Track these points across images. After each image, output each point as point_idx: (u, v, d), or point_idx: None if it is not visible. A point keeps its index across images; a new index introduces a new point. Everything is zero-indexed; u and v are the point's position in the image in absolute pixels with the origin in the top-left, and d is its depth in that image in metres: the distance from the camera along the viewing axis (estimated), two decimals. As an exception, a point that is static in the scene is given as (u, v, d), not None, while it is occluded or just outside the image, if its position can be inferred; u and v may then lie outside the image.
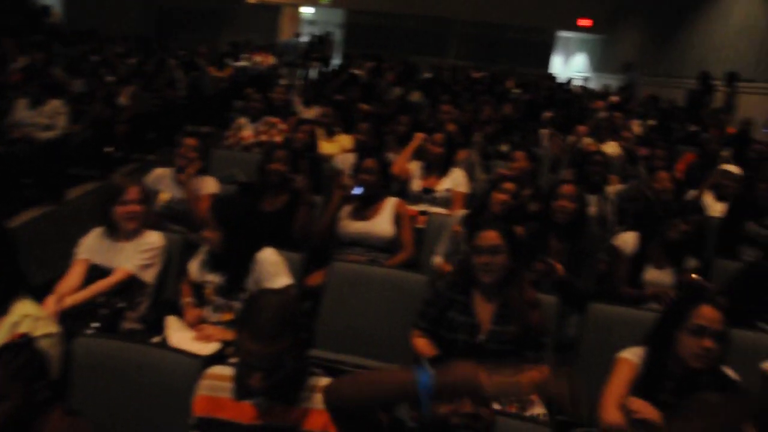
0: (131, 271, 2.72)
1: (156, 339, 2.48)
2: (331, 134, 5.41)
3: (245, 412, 1.66)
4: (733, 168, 4.81)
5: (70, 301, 2.56)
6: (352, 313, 2.77)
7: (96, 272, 2.74)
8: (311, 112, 6.42)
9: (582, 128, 7.56)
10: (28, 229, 5.05)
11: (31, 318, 1.93)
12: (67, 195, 5.93)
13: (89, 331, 2.49)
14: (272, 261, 2.61)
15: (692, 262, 3.25)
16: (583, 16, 19.04)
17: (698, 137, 7.29)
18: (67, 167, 6.10)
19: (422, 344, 2.44)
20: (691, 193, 4.75)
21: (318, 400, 1.64)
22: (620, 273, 3.26)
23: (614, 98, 12.08)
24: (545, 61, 21.44)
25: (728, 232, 4.02)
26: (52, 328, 2.00)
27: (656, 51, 16.37)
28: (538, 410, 2.21)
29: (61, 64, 8.14)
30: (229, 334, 2.42)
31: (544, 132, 7.01)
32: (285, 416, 1.65)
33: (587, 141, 6.89)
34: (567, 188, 3.26)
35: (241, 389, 1.66)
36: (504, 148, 5.94)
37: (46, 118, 5.55)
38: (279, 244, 2.97)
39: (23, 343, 1.67)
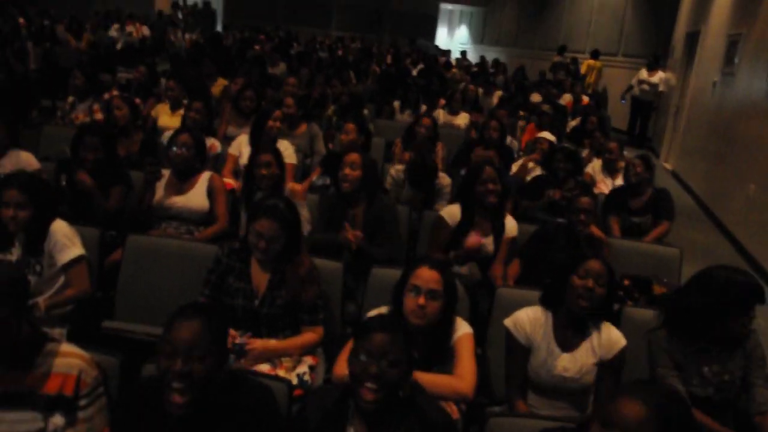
0: None
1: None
2: (175, 108, 5.41)
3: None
4: (548, 135, 5.25)
5: None
6: (147, 284, 2.89)
7: None
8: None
9: (441, 100, 7.91)
10: None
11: None
12: None
13: None
14: (64, 233, 2.70)
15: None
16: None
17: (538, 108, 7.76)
18: None
19: None
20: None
21: (57, 364, 1.78)
22: (438, 241, 3.40)
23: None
24: (431, 33, 21.88)
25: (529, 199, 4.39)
26: None
27: (530, 25, 17.10)
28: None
29: None
30: None
31: (396, 105, 7.28)
32: (20, 382, 1.76)
33: (439, 112, 7.23)
34: (350, 157, 3.45)
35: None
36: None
37: None
38: (90, 221, 3.07)
39: None
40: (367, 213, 3.41)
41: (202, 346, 1.65)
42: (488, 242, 3.39)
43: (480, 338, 2.62)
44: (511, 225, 3.47)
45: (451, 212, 3.44)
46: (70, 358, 1.76)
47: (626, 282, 3.39)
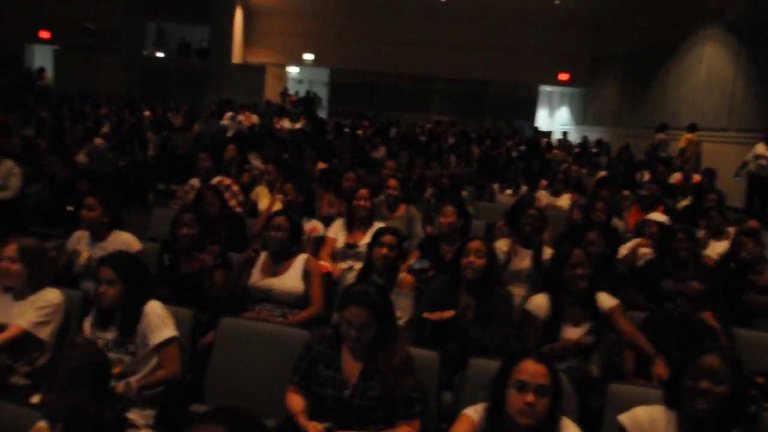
0: (24, 327, 2.79)
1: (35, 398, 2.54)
2: (273, 190, 5.53)
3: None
4: (658, 216, 4.92)
5: None
6: (238, 368, 2.83)
7: (-5, 328, 2.83)
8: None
9: (543, 182, 7.72)
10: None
11: None
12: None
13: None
14: (158, 314, 2.71)
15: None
16: (563, 70, 19.54)
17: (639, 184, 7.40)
18: (27, 225, 6.23)
19: (291, 400, 2.47)
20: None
21: None
22: (530, 338, 3.15)
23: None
24: (531, 115, 21.87)
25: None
26: None
27: (632, 103, 16.73)
28: None
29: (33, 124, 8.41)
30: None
31: (496, 186, 7.16)
32: None
33: (541, 194, 7.03)
34: (474, 244, 3.28)
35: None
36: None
37: (0, 179, 5.72)
38: (194, 305, 3.09)
39: None
40: (484, 303, 3.23)
41: None
42: (583, 331, 3.12)
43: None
44: (605, 299, 3.18)
45: (538, 304, 3.20)
46: None
47: (759, 380, 2.99)
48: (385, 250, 3.38)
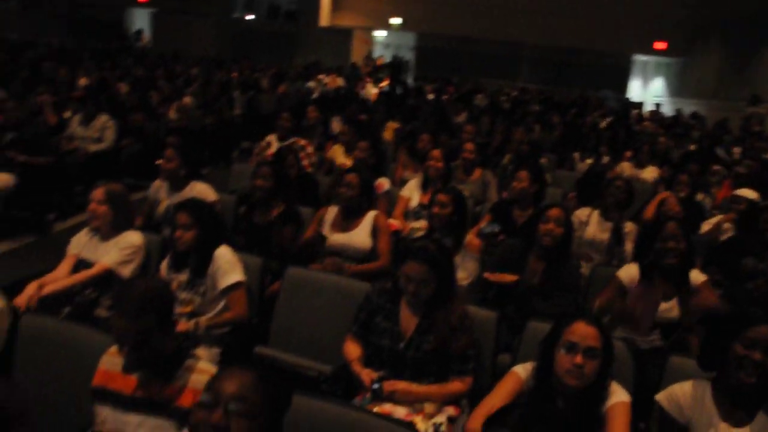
0: (108, 266, 3.00)
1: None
2: (349, 150, 5.62)
3: (129, 384, 1.87)
4: (748, 193, 4.66)
5: (49, 288, 2.87)
6: (301, 316, 2.94)
7: (82, 266, 3.07)
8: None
9: (627, 153, 7.46)
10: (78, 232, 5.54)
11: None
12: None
13: (62, 316, 2.81)
14: (227, 259, 2.85)
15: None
16: (660, 39, 18.55)
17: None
18: (119, 177, 6.62)
19: (349, 348, 2.56)
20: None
21: (193, 380, 1.83)
22: (609, 300, 3.06)
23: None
24: (622, 85, 20.99)
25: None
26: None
27: (733, 75, 15.75)
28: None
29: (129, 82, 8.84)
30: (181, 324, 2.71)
31: (576, 155, 6.98)
32: (161, 391, 1.84)
33: (625, 165, 6.81)
34: (555, 212, 3.23)
35: (126, 364, 1.88)
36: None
37: (96, 132, 6.08)
38: (264, 254, 3.23)
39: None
40: (553, 271, 3.19)
41: (249, 402, 1.41)
42: (671, 307, 3.01)
43: (645, 411, 2.30)
44: (697, 276, 3.05)
45: (630, 273, 3.07)
46: (204, 376, 1.80)
47: None
48: (437, 209, 3.39)
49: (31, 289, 2.80)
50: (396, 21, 20.43)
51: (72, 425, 2.06)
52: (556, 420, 2.00)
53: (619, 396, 2.03)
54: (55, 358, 2.26)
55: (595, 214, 4.07)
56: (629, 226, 3.97)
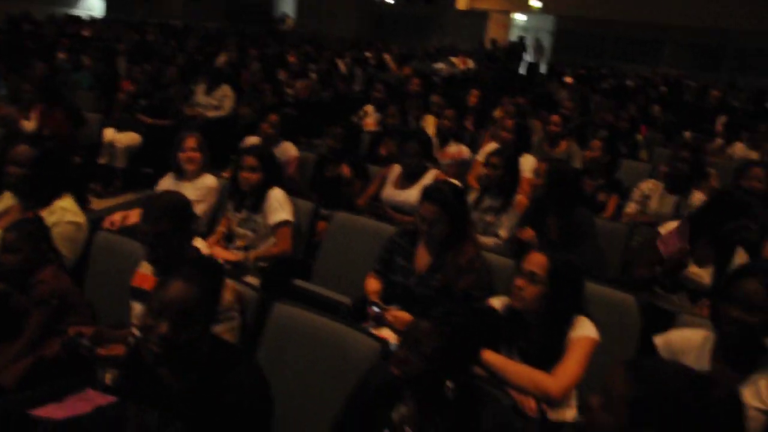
0: (184, 203, 3.46)
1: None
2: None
3: (152, 283, 2.24)
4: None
5: (132, 219, 3.28)
6: (342, 257, 3.21)
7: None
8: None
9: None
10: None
11: (62, 209, 2.70)
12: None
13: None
14: (278, 199, 3.22)
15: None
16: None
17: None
18: (236, 141, 7.26)
19: (369, 283, 2.79)
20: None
21: None
22: (647, 256, 3.06)
23: None
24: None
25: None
26: (79, 218, 2.74)
27: None
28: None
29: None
30: (233, 255, 3.09)
31: (688, 134, 6.70)
32: None
33: (738, 146, 6.45)
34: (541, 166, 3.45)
35: (156, 268, 2.26)
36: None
37: (216, 100, 6.74)
38: (334, 206, 3.60)
39: (34, 219, 2.44)
40: (565, 222, 3.26)
41: (191, 313, 1.61)
42: (704, 274, 2.97)
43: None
44: (743, 256, 2.97)
45: (668, 226, 3.09)
46: None
47: None
48: (489, 170, 3.58)
49: (117, 215, 3.27)
50: (536, 3, 20.03)
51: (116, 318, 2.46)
52: (523, 344, 2.12)
53: (584, 330, 2.07)
54: (110, 263, 2.68)
55: (659, 188, 4.00)
56: (697, 195, 3.87)
